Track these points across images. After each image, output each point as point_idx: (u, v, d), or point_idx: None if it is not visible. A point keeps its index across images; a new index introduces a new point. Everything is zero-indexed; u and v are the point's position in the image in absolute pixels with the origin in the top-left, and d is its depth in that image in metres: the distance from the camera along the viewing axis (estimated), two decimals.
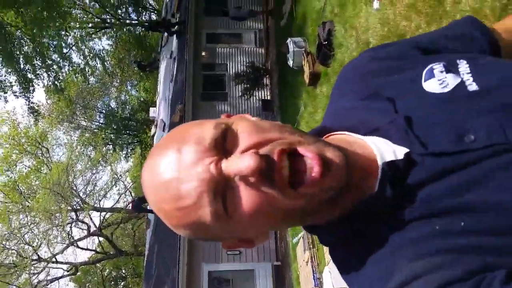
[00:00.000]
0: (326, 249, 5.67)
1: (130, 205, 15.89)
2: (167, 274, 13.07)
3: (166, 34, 17.15)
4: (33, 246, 24.64)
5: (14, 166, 26.70)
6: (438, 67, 0.66)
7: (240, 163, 0.53)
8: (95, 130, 29.24)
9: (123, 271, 31.53)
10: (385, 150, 0.62)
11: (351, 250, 0.62)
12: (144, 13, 25.98)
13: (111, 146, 29.36)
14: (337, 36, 6.16)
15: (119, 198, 31.00)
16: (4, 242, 23.99)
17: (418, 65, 0.68)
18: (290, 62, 8.23)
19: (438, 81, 0.65)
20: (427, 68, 0.67)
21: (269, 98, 12.68)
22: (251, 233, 0.63)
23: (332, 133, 0.70)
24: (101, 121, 29.58)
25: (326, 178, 0.54)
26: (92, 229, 27.25)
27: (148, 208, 15.38)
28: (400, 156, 0.60)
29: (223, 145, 0.56)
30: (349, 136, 0.67)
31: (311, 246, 6.50)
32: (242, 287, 9.98)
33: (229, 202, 0.55)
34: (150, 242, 17.22)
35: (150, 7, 27.90)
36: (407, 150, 0.60)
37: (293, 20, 9.28)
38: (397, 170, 0.58)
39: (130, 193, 31.05)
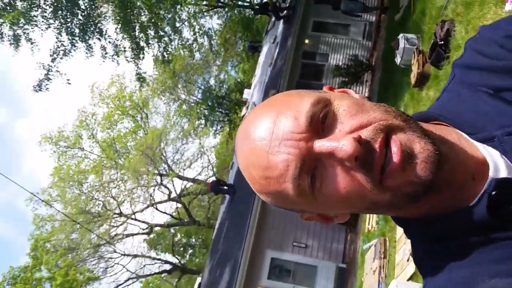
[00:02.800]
0: (397, 261, 5.23)
1: (208, 186, 16.56)
2: (231, 252, 13.32)
3: (273, 18, 17.23)
4: (117, 201, 26.78)
5: (115, 126, 29.19)
6: None
7: (339, 145, 0.52)
8: (191, 104, 30.73)
9: (193, 240, 33.05)
10: (500, 163, 0.58)
11: (432, 250, 0.61)
12: None
13: (203, 121, 30.67)
14: (456, 37, 5.57)
15: (201, 171, 32.46)
16: (93, 192, 26.38)
17: None
18: (398, 59, 7.69)
19: None
20: None
21: (367, 95, 12.09)
22: (332, 212, 0.63)
23: (437, 122, 0.66)
24: (198, 96, 30.94)
25: (407, 171, 0.52)
26: (173, 195, 28.89)
27: (224, 189, 15.80)
28: None
29: (320, 125, 0.55)
30: (458, 133, 0.62)
31: (382, 256, 6.06)
32: (302, 281, 9.76)
33: (318, 180, 0.55)
34: (222, 217, 17.70)
35: None
36: None
37: (409, 15, 8.66)
38: (509, 191, 0.55)
39: (213, 168, 32.29)
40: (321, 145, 0.54)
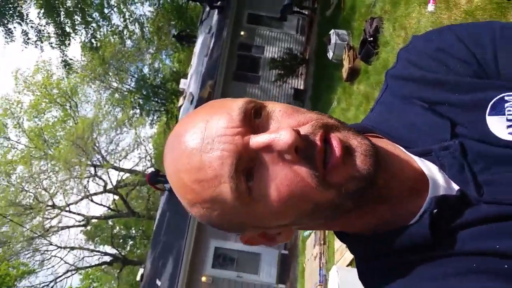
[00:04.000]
0: (336, 248, 5.64)
1: (146, 177, 16.22)
2: (174, 243, 13.32)
3: (208, 8, 17.08)
4: (50, 193, 25.46)
5: (42, 114, 27.50)
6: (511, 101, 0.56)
7: (277, 135, 0.49)
8: (125, 93, 29.69)
9: (133, 231, 32.37)
10: (438, 178, 0.57)
11: (372, 267, 0.60)
12: None
13: (138, 110, 29.81)
14: (384, 34, 6.00)
15: (139, 162, 31.63)
16: (23, 184, 24.85)
17: (488, 87, 0.58)
18: (330, 54, 8.09)
19: (507, 123, 0.55)
20: (496, 98, 0.57)
21: (302, 87, 12.55)
22: (274, 223, 0.56)
23: (373, 134, 0.64)
24: (132, 85, 29.97)
25: (348, 164, 0.51)
26: (109, 186, 27.95)
27: (162, 180, 15.62)
28: (454, 191, 0.56)
29: (255, 121, 0.53)
30: (395, 145, 0.61)
31: (322, 243, 6.48)
32: (245, 268, 10.09)
33: (256, 181, 0.51)
34: (162, 208, 17.54)
35: None
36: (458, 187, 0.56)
37: (339, 11, 9.09)
38: (449, 208, 0.54)
39: (150, 158, 31.58)
40: (258, 138, 0.51)
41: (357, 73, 7.00)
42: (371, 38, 6.24)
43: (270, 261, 9.74)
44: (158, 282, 13.46)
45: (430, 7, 4.61)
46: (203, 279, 10.19)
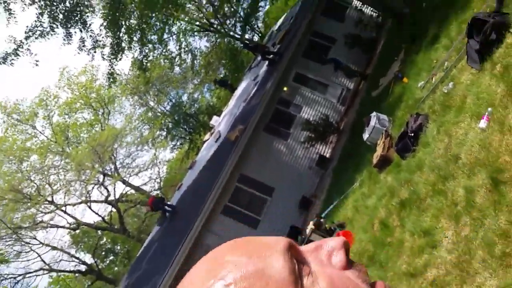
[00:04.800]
0: None
1: (149, 200, 15.96)
2: (153, 274, 12.69)
3: (259, 58, 17.41)
4: (53, 189, 25.41)
5: (74, 113, 28.13)
6: None
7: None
8: (158, 114, 30.18)
9: (118, 247, 31.63)
10: None
11: None
12: (249, 32, 26.90)
13: (164, 132, 30.09)
14: (427, 134, 5.66)
15: (148, 181, 31.49)
16: (31, 173, 24.98)
17: None
18: (366, 136, 7.81)
19: None
20: None
21: (328, 156, 12.24)
22: None
23: None
24: (167, 108, 30.50)
25: None
26: (111, 198, 27.69)
27: (164, 208, 15.27)
28: None
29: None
30: None
31: None
32: None
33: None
34: (153, 236, 16.97)
35: (257, 29, 28.83)
36: None
37: (386, 95, 8.91)
38: None
39: (160, 181, 31.35)
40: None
41: (388, 163, 6.64)
42: (412, 134, 5.93)
43: None
44: None
45: (482, 123, 4.23)
46: None
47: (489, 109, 4.09)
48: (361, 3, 14.80)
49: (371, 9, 14.36)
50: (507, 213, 3.30)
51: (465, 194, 3.91)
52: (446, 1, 7.87)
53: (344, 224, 7.40)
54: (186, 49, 23.82)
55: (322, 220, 7.75)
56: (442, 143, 4.95)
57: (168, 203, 16.23)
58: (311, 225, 7.70)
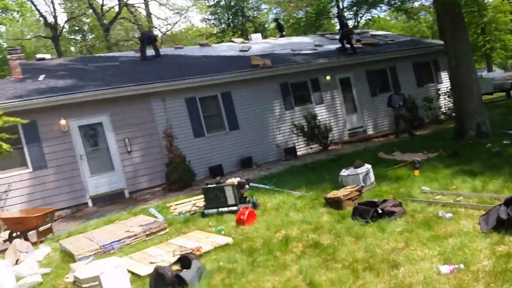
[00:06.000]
0: None
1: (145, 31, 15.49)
2: None
3: (338, 37, 16.57)
4: None
5: None
6: None
7: None
8: None
9: None
10: None
11: None
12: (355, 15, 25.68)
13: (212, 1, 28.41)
14: (389, 224, 5.35)
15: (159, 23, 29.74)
16: None
17: None
18: (344, 173, 7.53)
19: None
20: None
21: (297, 151, 11.93)
22: None
23: None
24: None
25: None
26: None
27: (155, 47, 14.75)
28: None
29: None
30: None
31: None
32: None
33: None
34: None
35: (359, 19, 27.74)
36: None
37: (391, 165, 8.59)
38: None
39: (169, 31, 29.89)
40: None
41: (336, 206, 6.35)
42: (380, 211, 5.60)
43: None
44: None
45: (444, 269, 3.82)
46: None
47: (461, 265, 3.76)
48: None
49: None
50: None
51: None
52: None
53: (257, 205, 7.12)
54: None
55: (247, 186, 7.42)
56: (397, 243, 4.63)
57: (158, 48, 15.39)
58: (236, 180, 7.37)
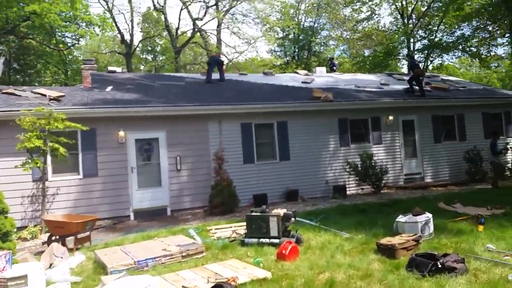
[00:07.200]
0: None
1: (215, 54, 15.88)
2: None
3: (406, 79, 15.92)
4: None
5: None
6: None
7: None
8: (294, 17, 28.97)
9: None
10: None
11: None
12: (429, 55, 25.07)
13: (280, 34, 28.89)
14: (450, 280, 4.72)
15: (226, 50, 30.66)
16: None
17: None
18: (401, 219, 6.88)
19: None
20: None
21: (347, 189, 11.32)
22: None
23: None
24: (303, 24, 29.18)
25: None
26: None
27: (220, 71, 14.90)
28: None
29: None
30: None
31: None
32: None
33: None
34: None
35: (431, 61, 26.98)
36: None
37: (452, 216, 7.81)
38: None
39: (235, 58, 30.49)
40: None
41: (390, 255, 5.73)
42: (440, 266, 4.96)
43: None
44: None
45: None
46: None
47: None
48: None
49: None
50: None
51: None
52: None
53: (301, 241, 6.65)
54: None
55: (293, 219, 6.99)
56: None
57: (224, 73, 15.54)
58: (282, 211, 6.97)
